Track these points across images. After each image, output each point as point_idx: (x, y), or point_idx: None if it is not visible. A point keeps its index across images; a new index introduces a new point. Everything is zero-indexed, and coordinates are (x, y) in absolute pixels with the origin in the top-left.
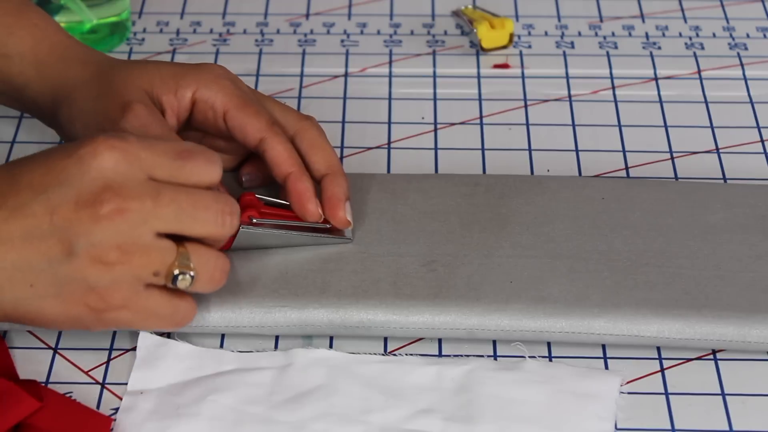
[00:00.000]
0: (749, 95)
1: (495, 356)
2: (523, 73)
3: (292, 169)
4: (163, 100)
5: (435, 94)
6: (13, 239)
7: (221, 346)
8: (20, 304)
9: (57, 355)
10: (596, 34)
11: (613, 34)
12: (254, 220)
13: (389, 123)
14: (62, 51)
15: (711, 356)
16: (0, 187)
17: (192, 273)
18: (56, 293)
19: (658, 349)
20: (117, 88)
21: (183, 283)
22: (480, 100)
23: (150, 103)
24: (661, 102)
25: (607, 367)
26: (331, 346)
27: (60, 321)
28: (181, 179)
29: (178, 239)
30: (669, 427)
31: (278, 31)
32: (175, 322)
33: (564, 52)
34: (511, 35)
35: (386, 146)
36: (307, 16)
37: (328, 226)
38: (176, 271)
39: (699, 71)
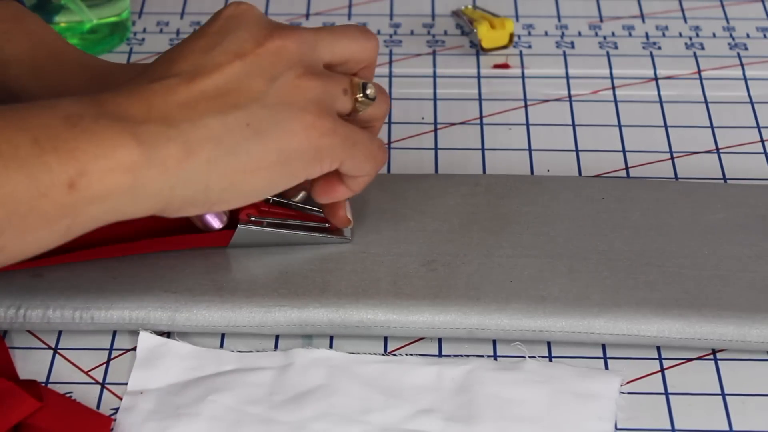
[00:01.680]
0: (749, 95)
1: (495, 356)
2: (523, 73)
3: None
4: None
5: (435, 94)
6: (206, 97)
7: (221, 346)
8: (238, 152)
9: (57, 355)
10: (596, 34)
11: (613, 34)
12: (252, 218)
13: (389, 123)
14: (60, 56)
15: (711, 356)
16: (159, 63)
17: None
18: (274, 122)
19: (658, 349)
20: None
21: (371, 90)
22: (480, 100)
23: None
24: (661, 102)
25: (607, 367)
26: (331, 346)
27: (292, 151)
28: None
29: None
30: (669, 427)
31: None
32: (376, 154)
33: (564, 52)
34: (511, 35)
35: (386, 146)
36: (307, 16)
37: (327, 225)
38: (361, 83)
39: (699, 71)
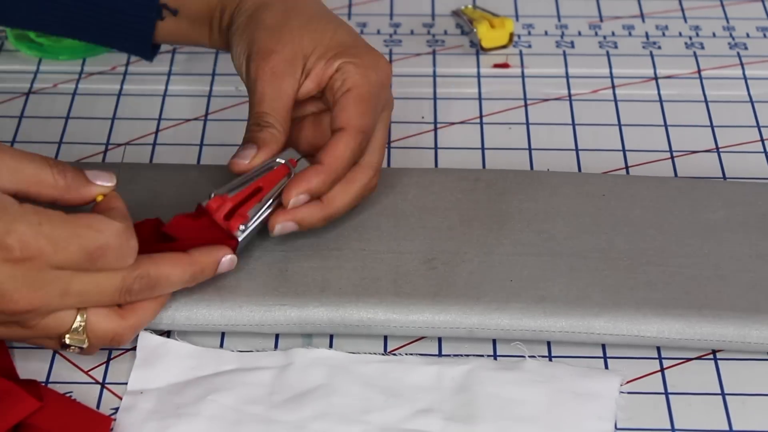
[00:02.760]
0: (749, 95)
1: (495, 356)
2: (523, 72)
3: (328, 167)
4: (315, 68)
5: (435, 93)
6: None
7: (221, 345)
8: None
9: (57, 355)
10: (596, 34)
11: (613, 34)
12: (242, 227)
13: (389, 122)
14: None
15: (711, 356)
16: None
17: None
18: None
19: (658, 349)
20: (294, 27)
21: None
22: (480, 99)
23: (298, 62)
24: (661, 101)
25: (607, 367)
26: (331, 346)
27: None
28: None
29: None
30: (669, 427)
31: None
32: None
33: (564, 52)
34: (511, 35)
35: (386, 146)
36: None
37: (290, 176)
38: (66, 340)
39: (699, 71)
